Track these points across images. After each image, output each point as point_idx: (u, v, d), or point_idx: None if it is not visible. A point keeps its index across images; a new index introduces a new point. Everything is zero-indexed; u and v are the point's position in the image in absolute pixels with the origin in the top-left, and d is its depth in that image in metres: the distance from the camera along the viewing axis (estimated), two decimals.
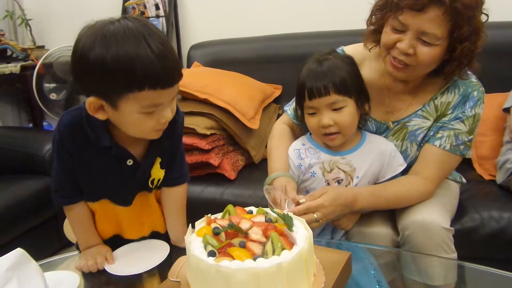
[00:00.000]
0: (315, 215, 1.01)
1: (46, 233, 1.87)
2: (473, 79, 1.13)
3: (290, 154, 1.20)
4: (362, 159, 1.13)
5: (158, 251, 0.94)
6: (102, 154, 0.89)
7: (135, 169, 0.92)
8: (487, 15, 1.04)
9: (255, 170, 1.76)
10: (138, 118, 0.79)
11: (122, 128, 0.84)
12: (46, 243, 1.87)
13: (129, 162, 0.91)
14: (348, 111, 1.07)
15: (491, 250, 1.30)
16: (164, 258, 0.91)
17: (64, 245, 1.90)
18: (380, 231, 1.12)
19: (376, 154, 1.14)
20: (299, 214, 1.00)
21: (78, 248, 1.01)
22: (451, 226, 1.08)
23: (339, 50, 1.25)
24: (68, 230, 1.36)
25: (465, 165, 1.53)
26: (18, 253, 0.68)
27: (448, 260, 1.01)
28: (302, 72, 1.09)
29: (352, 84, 1.06)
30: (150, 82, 0.75)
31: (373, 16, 1.13)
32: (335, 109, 1.06)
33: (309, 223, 0.99)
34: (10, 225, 1.67)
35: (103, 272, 0.90)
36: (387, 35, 1.06)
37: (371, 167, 1.13)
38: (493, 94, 1.68)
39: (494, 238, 1.29)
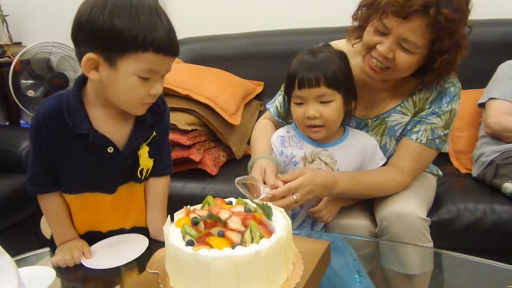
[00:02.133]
0: (294, 196, 1.01)
1: (23, 232, 1.82)
2: (451, 75, 1.16)
3: (273, 140, 1.20)
4: (344, 152, 1.14)
5: (136, 245, 0.93)
6: (81, 142, 0.87)
7: (116, 156, 0.91)
8: (470, 27, 1.06)
9: (237, 166, 1.75)
10: (132, 81, 0.80)
11: (111, 94, 0.84)
12: (24, 242, 1.82)
13: (110, 150, 0.90)
14: (335, 106, 1.07)
15: (467, 241, 1.33)
16: (142, 252, 0.90)
17: (42, 244, 1.85)
18: (359, 223, 1.14)
19: (359, 149, 1.15)
20: (280, 196, 1.00)
21: (51, 246, 0.99)
22: (428, 217, 1.10)
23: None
24: (45, 228, 1.34)
25: (442, 159, 1.57)
26: None
27: (424, 250, 1.03)
28: (294, 62, 1.09)
29: (342, 80, 1.06)
30: (155, 46, 0.78)
31: (359, 12, 1.15)
32: (322, 102, 1.07)
33: (288, 205, 1.00)
34: None
35: (79, 267, 0.89)
36: (369, 35, 1.08)
37: (352, 161, 1.15)
38: (469, 91, 1.72)
39: (470, 229, 1.32)
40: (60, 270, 0.88)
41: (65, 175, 0.92)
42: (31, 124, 0.88)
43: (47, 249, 1.01)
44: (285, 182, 1.03)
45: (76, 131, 0.86)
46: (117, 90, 0.83)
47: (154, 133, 0.96)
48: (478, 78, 1.71)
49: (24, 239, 1.84)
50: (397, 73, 1.09)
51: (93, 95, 0.87)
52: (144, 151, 0.95)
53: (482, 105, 1.65)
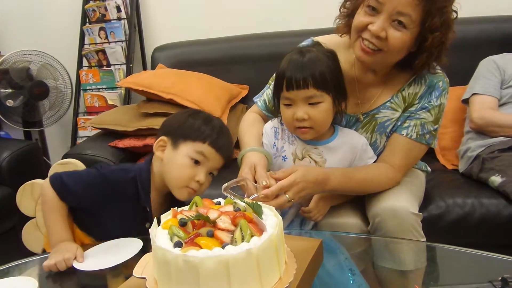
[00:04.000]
0: (286, 195, 1.00)
1: (4, 245, 1.76)
2: (438, 70, 1.16)
3: (267, 130, 1.18)
4: (333, 151, 1.13)
5: (130, 248, 0.91)
6: (132, 212, 1.05)
7: (147, 232, 1.04)
8: (456, 12, 1.06)
9: (224, 170, 1.70)
10: (185, 161, 1.01)
11: (167, 171, 1.03)
12: (5, 255, 1.76)
13: (147, 225, 1.05)
14: (324, 107, 1.06)
15: (457, 236, 1.34)
16: (135, 253, 0.87)
17: (24, 257, 1.79)
18: (349, 221, 1.12)
19: (348, 148, 1.14)
20: (273, 195, 0.98)
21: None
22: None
23: (308, 40, 1.25)
24: (27, 239, 1.29)
25: (429, 156, 1.57)
26: None
27: (417, 245, 1.02)
28: (283, 62, 1.07)
29: (331, 80, 1.05)
30: (212, 142, 1.03)
31: (348, 2, 1.14)
32: (311, 103, 1.05)
33: (281, 204, 0.99)
34: None
35: (70, 270, 0.87)
36: (360, 17, 1.06)
37: (341, 160, 1.13)
38: (452, 88, 1.72)
39: (460, 223, 1.33)
40: (46, 280, 0.86)
41: (101, 229, 1.03)
42: (96, 167, 1.05)
43: (30, 259, 0.98)
44: (277, 179, 1.01)
45: (142, 203, 1.04)
46: (172, 167, 1.02)
47: None
48: (461, 75, 1.72)
49: (6, 251, 1.77)
50: (389, 56, 1.07)
51: (153, 176, 1.07)
52: None
53: (465, 101, 1.67)
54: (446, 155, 1.73)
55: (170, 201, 1.10)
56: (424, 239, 1.05)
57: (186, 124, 1.04)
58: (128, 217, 1.05)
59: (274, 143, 1.16)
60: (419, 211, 1.12)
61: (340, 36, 1.19)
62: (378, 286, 0.93)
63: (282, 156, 1.14)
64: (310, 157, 1.13)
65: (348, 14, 1.14)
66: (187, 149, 1.01)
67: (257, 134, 1.20)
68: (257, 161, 1.07)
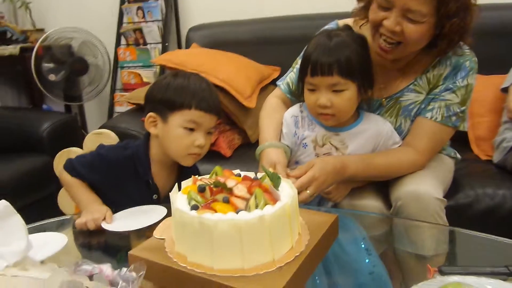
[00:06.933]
0: (307, 191, 0.99)
1: (43, 210, 1.86)
2: (466, 49, 1.12)
3: (287, 119, 1.18)
4: (356, 138, 1.12)
5: (155, 213, 0.95)
6: (137, 187, 1.07)
7: (156, 203, 1.06)
8: None
9: (251, 148, 1.72)
10: (179, 132, 1.00)
11: (165, 145, 1.04)
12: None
13: (155, 197, 1.09)
14: (347, 95, 1.04)
15: (485, 227, 1.25)
16: (159, 219, 0.91)
17: None
18: (370, 203, 1.11)
19: (372, 134, 1.12)
20: None
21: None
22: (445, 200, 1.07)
23: (333, 24, 1.24)
24: (63, 203, 1.37)
25: (462, 146, 1.53)
26: (1, 205, 0.68)
27: (439, 231, 1.00)
28: (311, 45, 1.06)
29: (358, 67, 1.03)
30: (196, 105, 1.00)
31: None
32: (335, 91, 1.04)
33: (304, 200, 0.99)
34: (8, 200, 1.68)
35: (97, 233, 0.93)
36: (374, 12, 1.05)
37: (364, 147, 1.12)
38: (491, 76, 1.67)
39: (488, 214, 1.28)
40: (76, 237, 0.94)
41: (113, 205, 1.03)
42: (100, 150, 1.09)
43: (61, 217, 1.05)
44: (295, 177, 1.01)
45: (144, 177, 1.07)
46: (168, 141, 1.03)
47: None
48: (499, 63, 1.66)
49: (45, 216, 1.89)
50: (410, 47, 1.06)
51: (153, 150, 1.08)
52: None
53: (504, 90, 1.60)
54: (481, 145, 1.67)
55: (178, 171, 1.12)
56: (447, 225, 1.03)
57: (167, 94, 1.01)
58: (134, 191, 1.07)
59: (295, 131, 1.16)
60: (446, 199, 1.10)
61: (359, 27, 1.17)
62: (397, 269, 0.92)
63: (303, 144, 1.15)
64: (331, 144, 1.12)
65: (364, 6, 1.12)
66: (177, 120, 1.00)
67: (276, 125, 1.20)
68: (277, 160, 1.08)
